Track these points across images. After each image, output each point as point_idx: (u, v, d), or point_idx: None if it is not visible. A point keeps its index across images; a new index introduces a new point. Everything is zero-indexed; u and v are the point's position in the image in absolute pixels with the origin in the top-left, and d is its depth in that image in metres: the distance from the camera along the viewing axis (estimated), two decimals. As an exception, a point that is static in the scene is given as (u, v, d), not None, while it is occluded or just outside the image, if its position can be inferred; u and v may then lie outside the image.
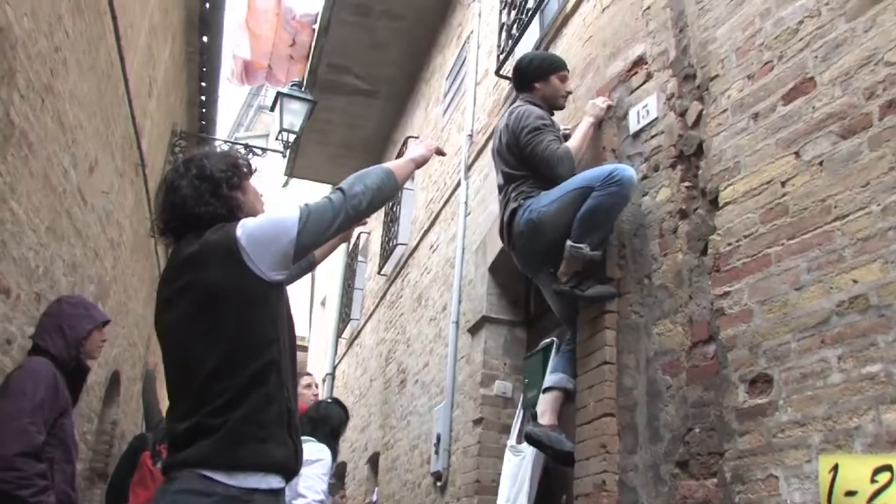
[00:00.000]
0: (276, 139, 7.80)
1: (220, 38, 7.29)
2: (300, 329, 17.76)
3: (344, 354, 10.30)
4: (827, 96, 2.55)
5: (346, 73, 8.48)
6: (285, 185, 12.05)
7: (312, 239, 2.12)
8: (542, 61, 3.92)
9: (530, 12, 4.72)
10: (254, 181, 2.32)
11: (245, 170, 2.25)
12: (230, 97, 26.88)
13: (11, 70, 3.15)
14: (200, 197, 2.11)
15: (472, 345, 4.95)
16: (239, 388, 1.98)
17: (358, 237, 10.31)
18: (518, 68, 3.89)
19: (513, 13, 5.13)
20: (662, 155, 3.28)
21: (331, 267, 11.98)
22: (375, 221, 9.39)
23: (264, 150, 8.53)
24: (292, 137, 7.77)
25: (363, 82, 8.61)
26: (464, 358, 5.15)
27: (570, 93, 3.92)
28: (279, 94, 7.70)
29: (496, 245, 4.74)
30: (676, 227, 3.11)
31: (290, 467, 2.08)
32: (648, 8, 3.66)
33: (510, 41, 5.06)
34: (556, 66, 3.86)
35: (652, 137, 3.39)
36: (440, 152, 2.68)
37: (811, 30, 2.67)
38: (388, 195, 2.34)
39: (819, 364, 2.36)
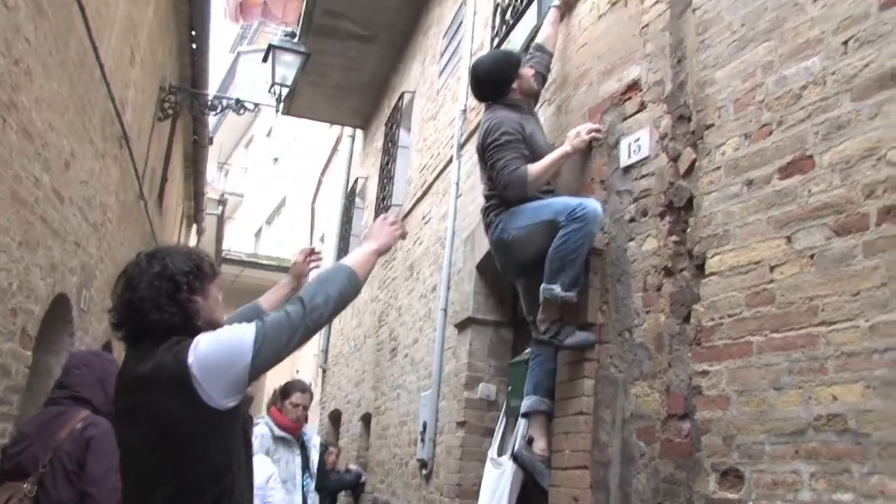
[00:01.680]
0: (269, 92, 7.54)
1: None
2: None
3: (341, 297, 10.23)
4: (825, 182, 2.38)
5: (341, 18, 8.10)
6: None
7: (269, 361, 2.04)
8: (508, 60, 3.82)
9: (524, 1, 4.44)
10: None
11: (209, 272, 2.15)
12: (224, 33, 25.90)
13: (-36, 105, 2.98)
14: (157, 300, 2.02)
15: (458, 340, 4.89)
16: None
17: (356, 181, 10.13)
18: (487, 80, 3.75)
19: (508, -6, 4.83)
20: (652, 200, 3.12)
21: (329, 204, 11.87)
22: (373, 168, 9.20)
23: (256, 105, 8.27)
24: (286, 91, 7.52)
25: (360, 28, 8.24)
26: (450, 349, 5.10)
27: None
28: (271, 47, 7.39)
29: (484, 242, 4.61)
30: (661, 285, 2.98)
31: None
32: (647, 26, 3.41)
33: (504, 27, 4.78)
34: (519, 58, 3.85)
35: (642, 177, 3.22)
36: (404, 236, 2.57)
37: (814, 100, 2.47)
38: (350, 299, 2.25)
39: (791, 475, 2.29)
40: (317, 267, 2.93)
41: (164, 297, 2.02)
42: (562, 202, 3.38)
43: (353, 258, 2.32)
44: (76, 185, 4.63)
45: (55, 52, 3.91)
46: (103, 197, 5.39)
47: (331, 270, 2.23)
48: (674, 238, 2.96)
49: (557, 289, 3.24)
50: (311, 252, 2.90)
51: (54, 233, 4.26)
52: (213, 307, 2.13)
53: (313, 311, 2.07)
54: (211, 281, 2.14)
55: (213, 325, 2.09)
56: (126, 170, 6.11)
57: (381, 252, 2.41)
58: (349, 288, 2.18)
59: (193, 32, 7.47)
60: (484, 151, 3.57)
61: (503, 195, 3.51)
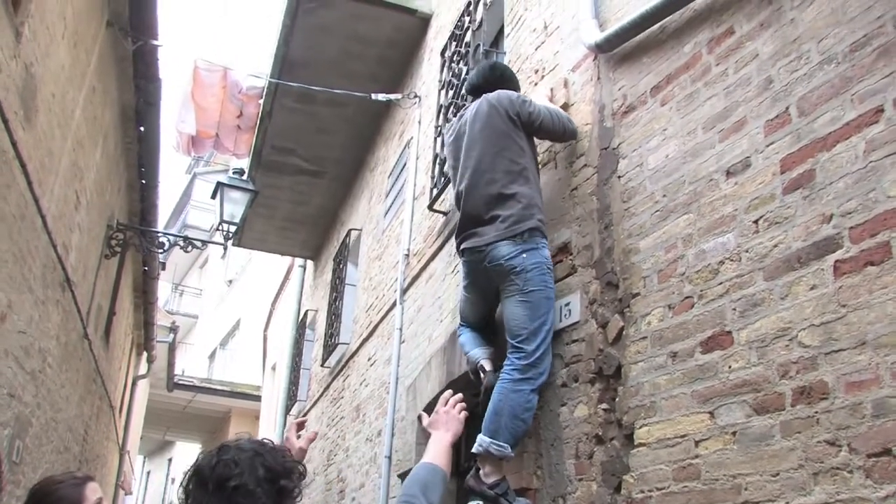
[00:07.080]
0: (217, 230, 7.62)
1: (158, 128, 7.06)
2: (255, 379, 17.50)
3: (291, 430, 10.02)
4: (743, 359, 2.44)
5: (290, 154, 8.32)
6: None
7: None
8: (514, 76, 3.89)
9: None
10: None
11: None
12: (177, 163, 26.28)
13: None
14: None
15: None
16: None
17: (306, 314, 10.10)
18: (503, 76, 3.77)
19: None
20: (582, 366, 3.16)
21: (281, 333, 11.74)
22: (322, 301, 9.19)
23: (205, 242, 8.34)
24: (234, 227, 7.61)
25: (308, 163, 8.45)
26: (395, 498, 4.97)
27: None
28: (219, 185, 7.52)
29: (426, 392, 4.59)
30: (592, 453, 2.98)
31: None
32: (576, 189, 3.54)
33: (443, 178, 4.91)
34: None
35: (573, 342, 3.26)
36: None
37: (731, 276, 2.56)
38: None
39: None
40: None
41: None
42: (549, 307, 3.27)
43: (440, 457, 2.42)
44: (13, 336, 4.54)
45: (-7, 210, 3.91)
46: (42, 343, 5.29)
47: (429, 474, 2.32)
48: (604, 406, 2.99)
49: (492, 445, 3.15)
50: (300, 425, 2.75)
51: (-17, 392, 4.15)
52: None
53: None
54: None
55: None
56: (69, 312, 6.02)
57: (456, 439, 2.53)
58: (444, 491, 2.31)
59: (143, 169, 7.55)
60: (520, 113, 3.49)
61: (571, 129, 3.57)
